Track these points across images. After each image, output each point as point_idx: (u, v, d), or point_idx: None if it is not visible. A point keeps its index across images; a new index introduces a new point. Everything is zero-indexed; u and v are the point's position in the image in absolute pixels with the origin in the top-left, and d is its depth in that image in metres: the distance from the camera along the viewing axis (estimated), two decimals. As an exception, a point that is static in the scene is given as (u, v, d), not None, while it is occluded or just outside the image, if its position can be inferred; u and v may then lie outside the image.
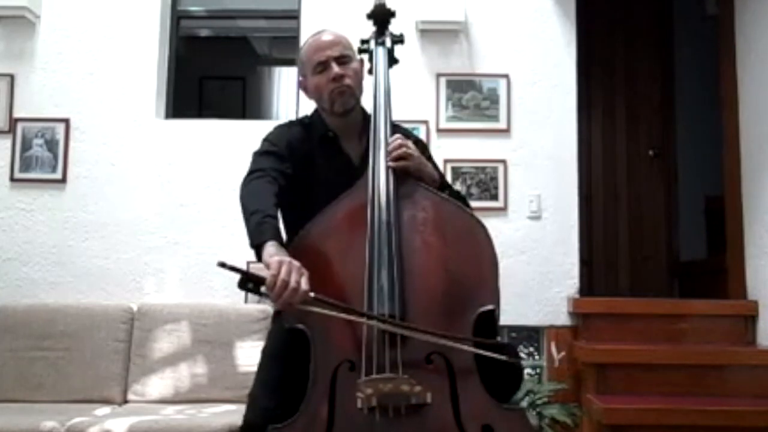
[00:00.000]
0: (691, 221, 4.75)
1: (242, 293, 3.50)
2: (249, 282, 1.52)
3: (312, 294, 1.52)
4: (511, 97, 3.72)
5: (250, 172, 1.82)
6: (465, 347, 1.59)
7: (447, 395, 1.58)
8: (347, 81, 1.91)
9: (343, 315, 1.58)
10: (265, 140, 1.95)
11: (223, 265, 1.51)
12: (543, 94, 3.73)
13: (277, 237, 1.63)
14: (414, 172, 1.84)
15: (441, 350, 1.60)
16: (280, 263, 1.51)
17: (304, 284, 1.51)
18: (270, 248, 1.58)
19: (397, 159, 1.81)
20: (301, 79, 2.02)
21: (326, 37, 1.95)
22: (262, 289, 1.52)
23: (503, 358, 1.60)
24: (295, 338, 1.68)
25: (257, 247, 1.61)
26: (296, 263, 1.53)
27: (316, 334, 1.64)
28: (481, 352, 1.60)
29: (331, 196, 1.78)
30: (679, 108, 4.85)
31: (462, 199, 1.97)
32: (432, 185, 1.86)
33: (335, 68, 1.90)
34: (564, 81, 3.74)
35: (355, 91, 1.95)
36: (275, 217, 1.68)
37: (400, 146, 1.83)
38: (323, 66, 1.91)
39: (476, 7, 3.77)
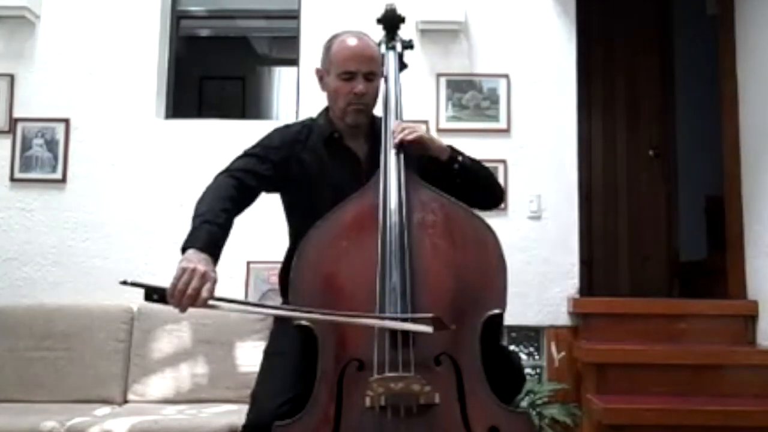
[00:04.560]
0: (691, 221, 4.75)
1: (243, 292, 3.53)
2: (154, 294, 1.58)
3: (210, 302, 1.57)
4: (511, 97, 3.72)
5: (221, 172, 1.89)
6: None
7: (455, 396, 1.60)
8: (367, 99, 1.92)
9: (248, 309, 1.69)
10: (257, 141, 1.98)
11: (124, 282, 1.59)
12: (543, 94, 3.73)
13: (205, 243, 1.65)
14: (428, 142, 1.89)
15: (449, 351, 1.61)
16: (183, 271, 1.57)
17: (205, 292, 1.55)
18: (186, 254, 1.63)
19: (402, 141, 1.84)
20: (320, 68, 1.99)
21: (362, 47, 1.92)
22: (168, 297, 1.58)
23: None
24: (300, 336, 1.69)
25: (183, 250, 1.66)
26: (201, 269, 1.57)
27: (325, 333, 1.65)
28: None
29: (339, 195, 1.80)
30: (679, 108, 4.85)
31: (477, 163, 1.98)
32: (443, 154, 1.91)
33: (360, 85, 1.89)
34: (564, 81, 3.74)
35: (371, 110, 1.97)
36: (213, 222, 1.70)
37: (404, 129, 1.86)
38: (350, 76, 1.89)
39: (476, 7, 3.77)
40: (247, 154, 1.94)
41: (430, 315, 1.58)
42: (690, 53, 4.78)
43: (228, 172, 1.88)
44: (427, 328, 1.57)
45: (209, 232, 1.68)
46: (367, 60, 1.91)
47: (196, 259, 1.60)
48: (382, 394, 1.54)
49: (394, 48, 2.11)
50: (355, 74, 1.89)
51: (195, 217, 1.72)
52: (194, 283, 1.55)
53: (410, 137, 1.85)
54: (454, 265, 1.72)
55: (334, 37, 1.97)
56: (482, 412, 1.59)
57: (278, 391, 1.74)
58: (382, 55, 2.05)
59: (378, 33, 2.13)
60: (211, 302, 1.57)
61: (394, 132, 1.88)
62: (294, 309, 1.64)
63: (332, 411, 1.59)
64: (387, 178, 1.80)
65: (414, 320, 1.59)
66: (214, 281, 1.58)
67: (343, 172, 1.92)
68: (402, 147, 1.85)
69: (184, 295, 1.54)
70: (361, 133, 1.97)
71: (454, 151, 1.94)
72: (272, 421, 1.63)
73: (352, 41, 1.93)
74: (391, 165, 1.82)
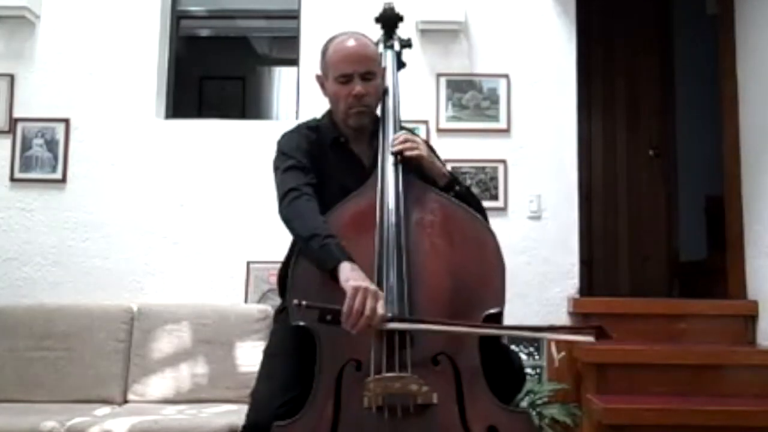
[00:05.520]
0: (691, 221, 4.75)
1: (243, 292, 3.53)
2: (328, 315, 1.56)
3: (389, 315, 1.55)
4: (511, 97, 3.72)
5: (286, 192, 1.80)
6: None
7: (453, 396, 1.60)
8: (367, 100, 1.89)
9: (427, 327, 1.60)
10: (281, 153, 1.92)
11: (299, 305, 1.55)
12: (543, 94, 3.73)
13: (348, 256, 1.62)
14: (426, 164, 1.86)
15: (447, 351, 1.61)
16: (356, 290, 1.53)
17: (380, 308, 1.54)
18: (345, 271, 1.58)
19: (404, 151, 1.82)
20: (319, 74, 1.98)
21: (357, 47, 1.90)
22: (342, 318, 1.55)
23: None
24: (299, 336, 1.69)
25: (331, 271, 1.61)
26: (372, 287, 1.54)
27: (323, 333, 1.65)
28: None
29: (343, 197, 1.80)
30: (679, 108, 4.85)
31: (472, 195, 1.97)
32: (442, 179, 1.88)
33: (358, 86, 1.86)
34: (564, 81, 3.74)
35: (373, 111, 1.95)
36: (332, 235, 1.66)
37: (406, 140, 1.85)
38: (347, 78, 1.87)
39: (476, 7, 3.77)
40: (291, 168, 1.86)
41: (593, 325, 1.60)
42: (690, 53, 4.78)
43: (296, 191, 1.79)
44: (589, 338, 1.60)
45: (339, 245, 1.65)
46: (363, 60, 1.88)
47: (362, 277, 1.57)
48: (380, 394, 1.54)
49: (392, 47, 2.10)
50: (352, 76, 1.87)
51: (313, 237, 1.66)
52: (369, 303, 1.53)
53: (408, 154, 1.83)
54: (452, 264, 1.72)
55: (330, 40, 1.95)
56: (481, 412, 1.59)
57: (278, 391, 1.74)
58: (380, 54, 2.03)
59: (377, 32, 2.13)
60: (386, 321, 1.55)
61: (394, 140, 1.86)
62: (475, 325, 1.61)
63: (330, 411, 1.59)
64: (384, 178, 1.80)
65: (576, 331, 1.64)
66: (384, 298, 1.56)
67: (347, 173, 1.92)
68: (400, 157, 1.83)
69: (362, 315, 1.52)
70: (365, 135, 1.97)
71: (452, 179, 1.91)
72: (272, 422, 1.63)
73: (346, 43, 1.91)
74: (389, 165, 1.82)
